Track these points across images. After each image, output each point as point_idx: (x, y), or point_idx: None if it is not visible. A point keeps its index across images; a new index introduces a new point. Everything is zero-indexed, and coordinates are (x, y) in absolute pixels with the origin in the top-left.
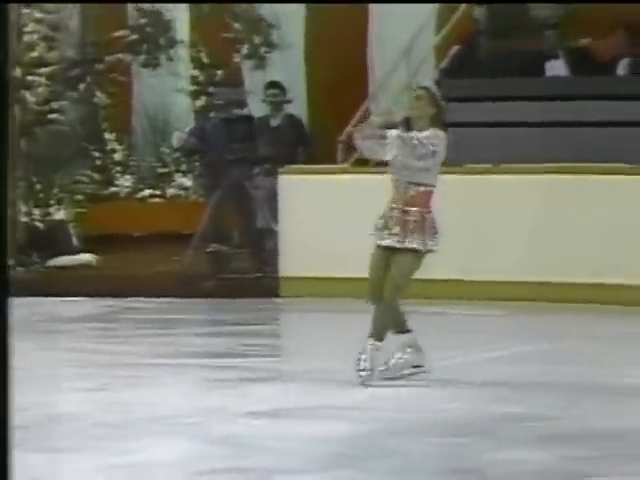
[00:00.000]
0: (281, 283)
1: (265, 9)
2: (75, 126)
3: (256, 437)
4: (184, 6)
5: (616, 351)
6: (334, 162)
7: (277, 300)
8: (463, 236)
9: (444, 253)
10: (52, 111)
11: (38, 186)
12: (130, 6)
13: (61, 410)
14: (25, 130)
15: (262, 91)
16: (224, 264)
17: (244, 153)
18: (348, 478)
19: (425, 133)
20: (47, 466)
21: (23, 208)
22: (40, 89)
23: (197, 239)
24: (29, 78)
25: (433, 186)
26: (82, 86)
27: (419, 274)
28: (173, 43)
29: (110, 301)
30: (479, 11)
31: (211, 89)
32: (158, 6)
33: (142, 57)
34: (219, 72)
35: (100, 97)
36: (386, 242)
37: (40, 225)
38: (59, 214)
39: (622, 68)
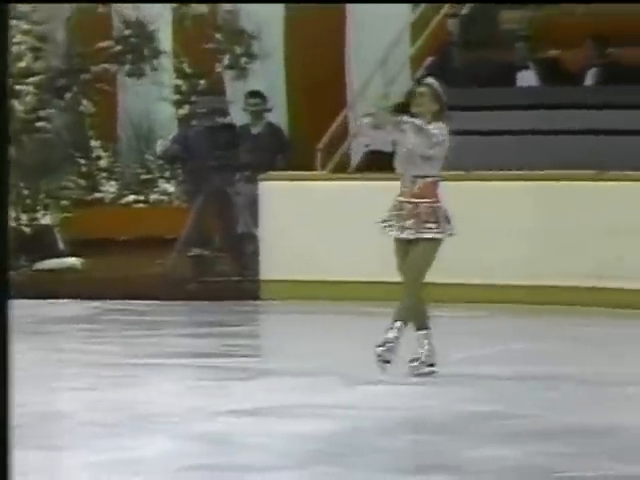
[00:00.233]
0: (262, 286)
1: (246, 20)
2: (61, 134)
3: (237, 435)
4: (167, 18)
5: (599, 351)
6: (313, 169)
7: (258, 302)
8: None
9: None
10: (39, 119)
11: (25, 192)
12: (115, 18)
13: (48, 409)
14: (13, 138)
15: (243, 100)
16: (206, 267)
17: (226, 160)
18: (326, 474)
19: (430, 127)
20: (34, 464)
21: (11, 213)
22: (28, 98)
23: (180, 243)
24: (17, 87)
25: (439, 177)
26: (68, 95)
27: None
28: (157, 54)
29: (96, 303)
30: (453, 23)
31: (194, 98)
32: (142, 18)
33: (127, 67)
34: (202, 82)
35: (86, 106)
36: (403, 235)
37: (27, 230)
38: (46, 219)
39: (590, 78)
